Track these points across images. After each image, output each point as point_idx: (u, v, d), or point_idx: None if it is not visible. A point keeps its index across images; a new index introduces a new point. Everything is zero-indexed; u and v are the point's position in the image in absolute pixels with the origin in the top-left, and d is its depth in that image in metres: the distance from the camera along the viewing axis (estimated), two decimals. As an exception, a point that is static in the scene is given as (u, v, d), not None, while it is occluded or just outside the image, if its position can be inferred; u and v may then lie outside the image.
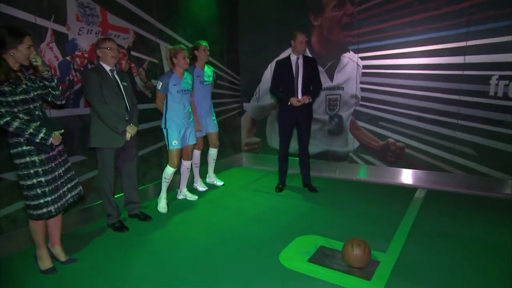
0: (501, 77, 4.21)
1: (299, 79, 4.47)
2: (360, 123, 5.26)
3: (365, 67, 5.06)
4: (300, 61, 4.46)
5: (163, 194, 4.23)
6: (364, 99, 5.16)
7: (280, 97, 4.60)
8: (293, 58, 4.48)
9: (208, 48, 4.55)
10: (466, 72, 4.40)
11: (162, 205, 4.17)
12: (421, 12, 4.53)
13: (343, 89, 5.28)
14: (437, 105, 4.66)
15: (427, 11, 4.49)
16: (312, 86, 4.57)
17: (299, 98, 4.42)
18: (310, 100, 4.48)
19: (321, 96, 5.43)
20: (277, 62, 4.61)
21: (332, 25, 5.18)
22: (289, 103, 4.43)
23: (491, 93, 4.29)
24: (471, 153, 4.55)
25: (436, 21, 4.47)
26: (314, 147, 5.65)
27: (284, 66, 4.48)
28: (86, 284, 2.78)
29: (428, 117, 4.75)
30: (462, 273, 2.76)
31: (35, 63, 2.62)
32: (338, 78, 5.29)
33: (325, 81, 5.33)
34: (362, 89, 5.14)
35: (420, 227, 3.59)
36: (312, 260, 3.00)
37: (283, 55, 5.56)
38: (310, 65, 4.52)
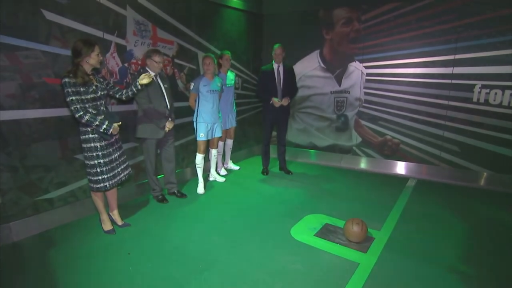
0: (483, 86, 4.20)
1: (280, 83, 4.56)
2: (363, 122, 5.25)
3: (368, 74, 5.05)
4: (281, 69, 4.57)
5: (200, 179, 4.31)
6: (366, 101, 5.15)
7: (264, 99, 4.65)
8: (275, 66, 4.57)
9: (230, 57, 4.61)
10: (453, 81, 4.38)
11: (200, 188, 4.25)
12: (417, 29, 4.50)
13: (349, 92, 5.27)
14: (428, 108, 4.64)
15: (422, 29, 4.46)
16: (290, 89, 4.66)
17: (280, 100, 4.52)
18: (289, 101, 4.58)
19: (330, 98, 5.43)
20: (262, 70, 4.66)
21: (341, 39, 5.18)
22: (271, 102, 4.53)
23: (474, 100, 4.28)
24: (456, 149, 4.54)
25: (429, 37, 4.44)
26: (323, 141, 5.67)
27: (269, 73, 4.56)
28: (138, 242, 2.98)
29: (420, 118, 4.73)
30: (444, 249, 2.81)
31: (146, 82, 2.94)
32: (345, 83, 5.28)
33: (334, 86, 5.36)
34: (365, 93, 5.13)
35: (410, 210, 3.62)
36: (318, 234, 3.06)
37: (299, 63, 5.59)
38: (289, 72, 4.60)
